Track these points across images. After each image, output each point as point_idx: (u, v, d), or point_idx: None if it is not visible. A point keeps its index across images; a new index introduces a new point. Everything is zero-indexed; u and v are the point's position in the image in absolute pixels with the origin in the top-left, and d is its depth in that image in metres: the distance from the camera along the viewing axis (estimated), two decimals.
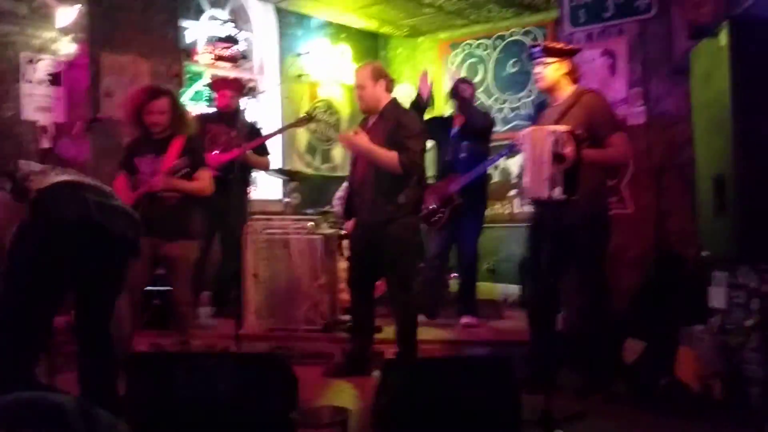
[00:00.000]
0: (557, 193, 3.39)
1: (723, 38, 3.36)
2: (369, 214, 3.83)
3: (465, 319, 4.92)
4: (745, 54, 3.26)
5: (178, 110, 4.03)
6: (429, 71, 5.15)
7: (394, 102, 3.91)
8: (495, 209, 7.18)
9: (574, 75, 3.68)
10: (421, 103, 4.95)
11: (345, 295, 5.36)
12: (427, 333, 4.77)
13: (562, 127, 3.41)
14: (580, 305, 3.62)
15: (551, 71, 3.64)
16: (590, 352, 3.65)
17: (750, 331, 3.18)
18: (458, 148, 5.03)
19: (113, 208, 2.86)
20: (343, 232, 5.70)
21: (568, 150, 3.34)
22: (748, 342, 3.19)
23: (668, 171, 4.39)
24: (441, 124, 5.24)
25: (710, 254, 3.57)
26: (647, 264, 4.31)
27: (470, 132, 5.03)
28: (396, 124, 3.77)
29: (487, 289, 6.95)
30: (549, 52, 3.65)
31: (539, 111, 3.83)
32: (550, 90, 3.70)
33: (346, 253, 4.75)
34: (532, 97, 6.99)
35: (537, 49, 3.67)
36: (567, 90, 3.67)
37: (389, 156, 3.70)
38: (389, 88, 3.88)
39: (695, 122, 3.86)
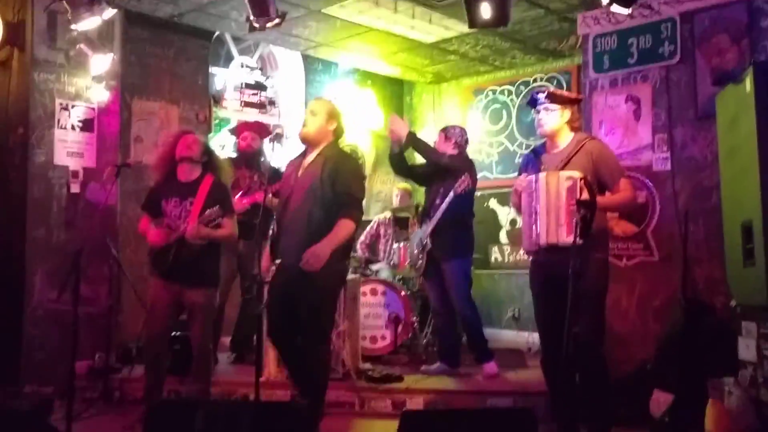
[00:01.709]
0: (574, 238, 3.36)
1: (748, 84, 3.35)
2: (297, 256, 3.42)
3: (487, 369, 4.80)
4: None
5: (211, 153, 4.14)
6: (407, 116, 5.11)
7: (335, 143, 3.71)
8: (519, 255, 7.12)
9: (575, 123, 3.69)
10: (394, 149, 4.96)
11: (367, 343, 5.34)
12: (448, 383, 4.72)
13: (576, 173, 3.41)
14: (578, 351, 3.51)
15: (555, 118, 3.64)
16: (588, 400, 3.52)
17: None
18: (435, 193, 4.93)
19: None
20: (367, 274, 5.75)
21: (585, 195, 3.33)
22: None
23: (695, 217, 4.31)
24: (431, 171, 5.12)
25: (739, 303, 3.48)
26: (674, 312, 4.20)
27: (438, 172, 4.90)
28: (336, 166, 3.54)
29: (510, 337, 6.85)
30: (554, 98, 3.67)
31: (538, 157, 3.76)
32: (551, 136, 3.70)
33: None
34: None
35: (542, 95, 3.69)
36: (567, 137, 3.67)
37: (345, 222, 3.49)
38: (337, 134, 3.70)
39: (722, 168, 3.81)
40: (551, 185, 3.45)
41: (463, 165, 4.85)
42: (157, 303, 3.94)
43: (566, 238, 3.39)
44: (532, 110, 3.80)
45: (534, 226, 3.53)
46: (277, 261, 3.62)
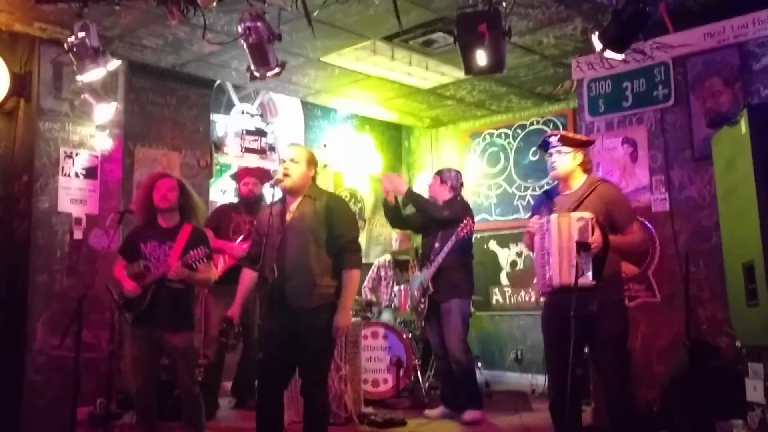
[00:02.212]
0: (587, 279, 3.38)
1: (743, 126, 3.41)
2: (300, 299, 3.44)
3: (468, 415, 4.70)
4: (766, 141, 3.29)
5: (188, 196, 4.13)
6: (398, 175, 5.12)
7: (317, 186, 3.72)
8: (520, 296, 7.12)
9: (587, 165, 3.72)
10: (389, 203, 5.01)
11: (368, 387, 5.30)
12: (451, 427, 4.66)
13: (587, 214, 3.43)
14: (611, 398, 3.50)
15: (567, 160, 3.66)
16: None
17: None
18: (433, 238, 4.97)
19: None
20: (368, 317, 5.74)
21: (596, 236, 3.36)
22: None
23: (695, 257, 4.33)
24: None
25: (744, 344, 3.47)
26: (679, 354, 4.19)
27: (436, 221, 4.94)
28: (329, 207, 3.56)
29: (513, 379, 6.80)
30: (566, 141, 3.69)
31: (551, 198, 3.78)
32: (563, 179, 3.72)
33: None
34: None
35: (554, 138, 3.72)
36: (580, 179, 3.69)
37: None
38: (315, 179, 3.70)
39: (721, 208, 3.85)
40: (563, 226, 3.47)
41: (463, 212, 4.88)
42: (140, 353, 3.91)
43: (575, 278, 3.37)
44: (545, 153, 3.82)
45: (546, 267, 3.54)
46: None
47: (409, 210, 5.25)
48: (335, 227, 3.54)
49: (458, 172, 5.26)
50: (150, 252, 3.96)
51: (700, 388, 3.77)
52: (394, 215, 5.14)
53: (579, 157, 3.67)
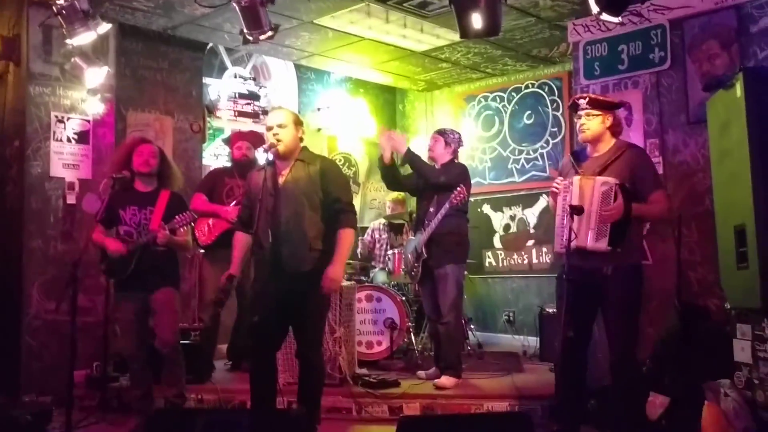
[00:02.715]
0: (603, 244, 3.41)
1: (738, 90, 3.39)
2: (295, 263, 3.48)
3: (442, 380, 4.68)
4: (762, 105, 3.28)
5: (167, 163, 4.17)
6: (393, 130, 4.96)
7: (307, 149, 3.72)
8: (513, 259, 7.17)
9: (616, 128, 3.68)
10: (385, 163, 4.93)
11: (363, 349, 5.36)
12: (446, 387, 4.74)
13: (611, 179, 3.43)
14: (614, 358, 3.55)
15: (596, 124, 3.63)
16: (620, 407, 3.56)
17: None
18: (429, 202, 4.89)
19: None
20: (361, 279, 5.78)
21: (618, 202, 3.37)
22: None
23: (688, 221, 4.35)
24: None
25: (734, 306, 3.51)
26: (669, 315, 4.24)
27: (432, 186, 4.87)
28: (323, 170, 3.57)
29: (506, 341, 6.90)
30: (595, 104, 3.65)
31: (578, 160, 3.74)
32: (593, 141, 3.68)
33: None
34: (547, 149, 7.04)
35: (584, 101, 3.67)
36: (609, 143, 3.66)
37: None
38: (303, 139, 3.69)
39: (714, 172, 3.85)
40: (586, 189, 3.47)
41: (459, 178, 4.79)
42: (129, 317, 3.99)
43: (595, 243, 3.43)
44: (574, 115, 3.79)
45: (565, 229, 3.54)
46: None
47: (405, 171, 5.20)
48: (331, 191, 3.55)
49: (460, 135, 5.16)
50: (130, 218, 3.99)
51: (690, 349, 3.83)
52: (391, 176, 5.07)
53: (608, 120, 3.64)
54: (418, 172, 4.92)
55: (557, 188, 3.66)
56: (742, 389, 3.31)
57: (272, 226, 3.51)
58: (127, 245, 3.93)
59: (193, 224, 3.98)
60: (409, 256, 5.07)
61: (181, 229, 3.99)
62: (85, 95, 5.21)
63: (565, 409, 3.70)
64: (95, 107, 5.27)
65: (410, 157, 4.86)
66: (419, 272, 4.91)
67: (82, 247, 4.70)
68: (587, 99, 3.66)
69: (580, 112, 3.68)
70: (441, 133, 5.09)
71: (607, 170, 3.54)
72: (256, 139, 5.37)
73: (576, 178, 3.55)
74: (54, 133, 5.05)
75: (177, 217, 3.91)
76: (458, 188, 4.62)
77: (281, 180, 3.58)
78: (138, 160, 4.02)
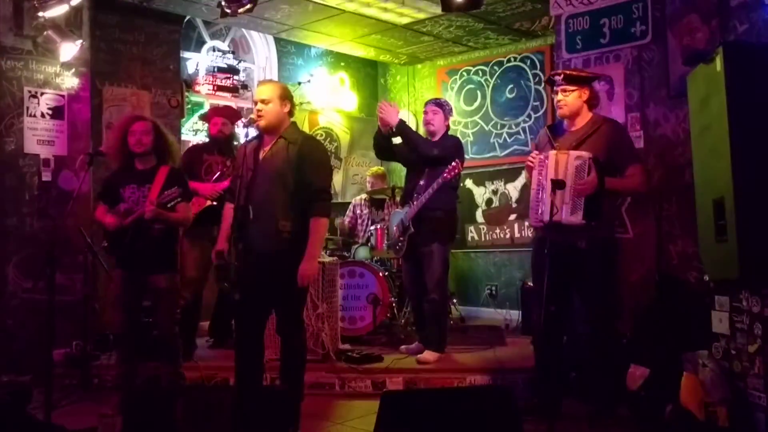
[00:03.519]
0: (577, 218, 3.42)
1: (718, 64, 3.39)
2: (262, 244, 3.41)
3: (424, 355, 4.67)
4: (741, 79, 3.28)
5: (162, 137, 4.08)
6: (392, 101, 4.84)
7: (295, 125, 3.64)
8: (495, 234, 7.20)
9: (593, 101, 3.70)
10: (383, 133, 4.82)
11: (346, 324, 5.37)
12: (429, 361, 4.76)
13: (585, 154, 3.45)
14: (591, 330, 3.59)
15: (573, 98, 3.64)
16: (598, 378, 3.61)
17: (754, 357, 3.15)
18: (419, 174, 4.81)
19: None
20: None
21: (591, 176, 3.38)
22: (752, 368, 3.15)
23: (668, 195, 4.38)
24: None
25: (712, 278, 3.55)
26: (649, 288, 4.29)
27: (423, 159, 4.78)
28: (302, 153, 3.45)
29: (488, 314, 6.94)
30: (570, 79, 3.65)
31: (554, 134, 3.76)
32: (570, 116, 3.70)
33: None
34: (530, 123, 7.03)
35: (559, 77, 3.67)
36: (586, 117, 3.67)
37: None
38: (291, 113, 3.58)
39: (694, 146, 3.86)
40: (560, 163, 3.49)
41: (454, 152, 4.69)
42: (123, 293, 3.96)
43: (569, 217, 3.45)
44: (551, 92, 3.78)
45: (540, 203, 3.56)
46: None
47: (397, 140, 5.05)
48: (305, 174, 3.44)
49: (451, 106, 5.07)
50: (129, 195, 3.96)
51: (669, 320, 3.88)
52: (383, 145, 4.94)
53: (585, 94, 3.66)
54: (410, 145, 4.79)
55: (532, 162, 3.66)
56: (719, 360, 3.36)
57: (243, 201, 3.45)
58: (121, 220, 3.88)
59: (180, 199, 3.86)
60: (394, 228, 5.01)
61: (180, 205, 3.91)
62: (59, 69, 5.10)
63: (544, 382, 3.75)
64: (70, 82, 5.16)
65: (402, 129, 4.73)
66: (404, 246, 4.88)
67: (60, 224, 4.65)
68: (562, 75, 3.67)
69: (556, 88, 3.69)
70: (438, 104, 4.94)
71: (584, 144, 3.56)
72: (232, 114, 5.30)
73: (551, 153, 3.56)
74: (27, 108, 4.95)
75: (165, 192, 3.85)
76: (453, 163, 4.54)
77: (262, 155, 3.52)
78: (131, 140, 3.97)
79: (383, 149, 5.01)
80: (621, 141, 3.61)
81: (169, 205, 3.85)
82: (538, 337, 3.87)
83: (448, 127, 4.97)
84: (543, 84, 6.91)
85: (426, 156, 4.73)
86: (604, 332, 3.55)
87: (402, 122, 4.76)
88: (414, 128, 4.94)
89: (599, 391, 3.63)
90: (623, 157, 3.57)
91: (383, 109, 4.78)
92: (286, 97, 3.54)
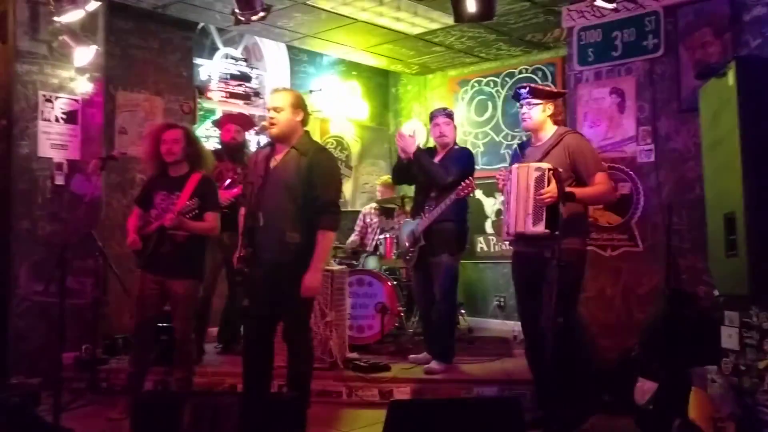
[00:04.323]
0: (540, 228, 3.50)
1: (731, 78, 3.38)
2: (270, 253, 3.43)
3: (431, 365, 4.68)
4: (754, 93, 3.28)
5: (194, 144, 4.13)
6: (408, 128, 4.83)
7: (308, 135, 3.61)
8: (504, 245, 7.18)
9: (557, 117, 3.82)
10: (402, 160, 4.83)
11: (354, 333, 5.37)
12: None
13: (545, 165, 3.54)
14: (551, 337, 3.53)
15: (537, 112, 3.77)
16: (557, 387, 3.52)
17: (763, 373, 3.13)
18: (431, 186, 4.79)
19: None
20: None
21: (551, 187, 3.45)
22: (761, 384, 3.13)
23: (678, 208, 4.37)
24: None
25: (722, 293, 3.54)
26: (658, 302, 4.27)
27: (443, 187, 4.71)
28: (312, 164, 3.45)
29: (496, 326, 6.93)
30: (535, 93, 3.76)
31: (523, 150, 3.90)
32: (534, 130, 3.82)
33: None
34: None
35: (524, 90, 3.79)
36: (550, 131, 3.79)
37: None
38: (305, 122, 3.58)
39: (705, 160, 3.86)
40: (521, 176, 3.60)
41: (466, 172, 4.64)
42: (143, 293, 4.00)
43: (532, 227, 3.53)
44: (517, 104, 3.90)
45: (507, 216, 3.69)
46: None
47: None
48: (314, 187, 3.44)
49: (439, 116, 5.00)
50: (159, 202, 4.02)
51: (678, 335, 3.86)
52: (404, 174, 4.95)
53: (549, 108, 3.78)
54: (426, 175, 4.77)
55: (499, 178, 3.81)
56: (728, 375, 3.34)
57: (253, 208, 3.47)
58: (146, 230, 3.96)
59: (196, 211, 3.91)
60: (405, 238, 5.03)
61: (207, 214, 3.96)
62: (74, 74, 5.14)
63: (542, 394, 3.73)
64: (84, 86, 5.21)
65: (419, 158, 4.72)
66: (415, 257, 4.89)
67: (71, 228, 4.69)
68: (527, 88, 3.79)
69: (521, 101, 3.81)
70: (450, 115, 4.95)
71: (548, 157, 3.66)
72: (245, 122, 5.34)
73: (514, 167, 3.69)
74: (42, 112, 4.99)
75: (186, 203, 3.89)
76: (467, 180, 4.52)
77: (273, 164, 3.54)
78: (162, 149, 4.03)
79: (403, 175, 5.02)
80: (582, 151, 3.69)
81: (188, 216, 3.88)
82: (527, 352, 3.91)
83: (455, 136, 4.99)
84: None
85: (442, 185, 4.68)
86: (560, 341, 3.42)
87: (419, 152, 4.74)
88: (424, 137, 4.96)
89: (556, 402, 3.55)
90: (588, 166, 3.65)
91: (401, 138, 4.79)
92: (299, 105, 3.54)
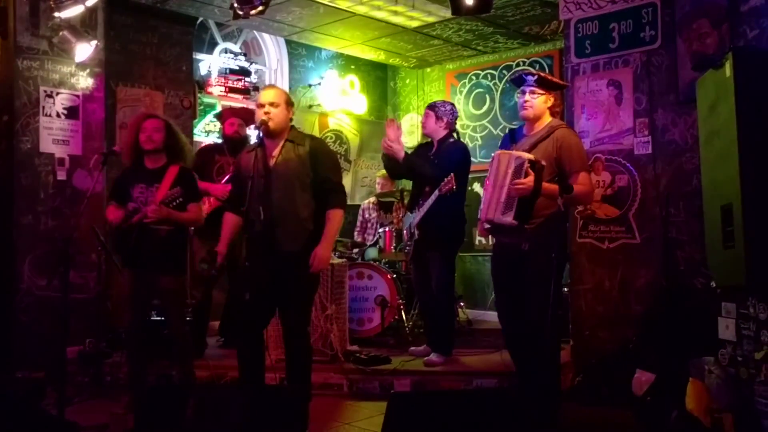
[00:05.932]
0: (509, 218, 3.43)
1: (728, 69, 3.40)
2: (289, 244, 3.51)
3: (431, 357, 4.73)
4: (751, 85, 3.30)
5: (174, 136, 4.09)
6: (393, 133, 4.76)
7: (296, 129, 3.74)
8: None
9: (556, 108, 3.76)
10: (390, 161, 4.88)
11: (354, 326, 5.41)
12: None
13: (526, 155, 3.46)
14: (527, 327, 3.54)
15: (540, 102, 3.68)
16: (531, 379, 3.53)
17: (760, 364, 3.16)
18: (425, 181, 4.83)
19: None
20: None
21: (528, 179, 3.37)
22: (758, 375, 3.17)
23: (675, 200, 4.40)
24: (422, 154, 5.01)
25: (719, 285, 3.56)
26: (656, 293, 4.30)
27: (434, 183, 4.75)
28: (313, 151, 3.58)
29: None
30: (543, 84, 3.68)
31: (515, 137, 3.82)
32: (532, 120, 3.73)
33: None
34: None
35: (532, 78, 3.69)
36: (544, 122, 3.71)
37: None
38: (292, 120, 3.69)
39: (702, 152, 3.88)
40: (502, 163, 3.52)
41: (452, 166, 4.64)
42: (132, 293, 3.99)
43: (501, 216, 3.46)
44: (517, 90, 3.80)
45: (482, 201, 3.64)
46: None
47: None
48: (320, 171, 3.58)
49: (453, 105, 5.03)
50: (138, 195, 3.96)
51: (675, 326, 3.89)
52: (396, 170, 5.07)
53: (550, 100, 3.70)
54: (419, 175, 4.89)
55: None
56: (726, 366, 3.37)
57: (264, 207, 3.52)
58: (124, 216, 3.89)
59: (180, 199, 3.87)
60: (405, 232, 5.09)
61: (191, 204, 3.94)
62: (74, 69, 5.15)
63: (524, 386, 3.71)
64: (84, 82, 5.22)
65: (409, 163, 4.79)
66: (411, 251, 4.95)
67: (74, 223, 4.71)
68: (536, 77, 3.68)
69: (524, 88, 3.70)
70: (431, 107, 4.96)
71: (536, 149, 3.59)
72: (248, 116, 5.34)
73: (497, 152, 3.61)
74: (43, 108, 5.01)
75: (167, 192, 3.86)
76: (448, 177, 4.53)
77: (272, 162, 3.58)
78: (142, 136, 3.97)
79: (395, 172, 5.19)
80: (570, 147, 3.59)
81: (171, 205, 3.85)
82: (507, 344, 3.88)
83: (449, 127, 4.91)
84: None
85: (428, 180, 4.76)
86: (536, 336, 3.41)
87: (407, 157, 4.80)
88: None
89: (532, 393, 3.53)
90: (572, 163, 3.56)
91: (388, 149, 4.80)
92: (290, 103, 3.69)
